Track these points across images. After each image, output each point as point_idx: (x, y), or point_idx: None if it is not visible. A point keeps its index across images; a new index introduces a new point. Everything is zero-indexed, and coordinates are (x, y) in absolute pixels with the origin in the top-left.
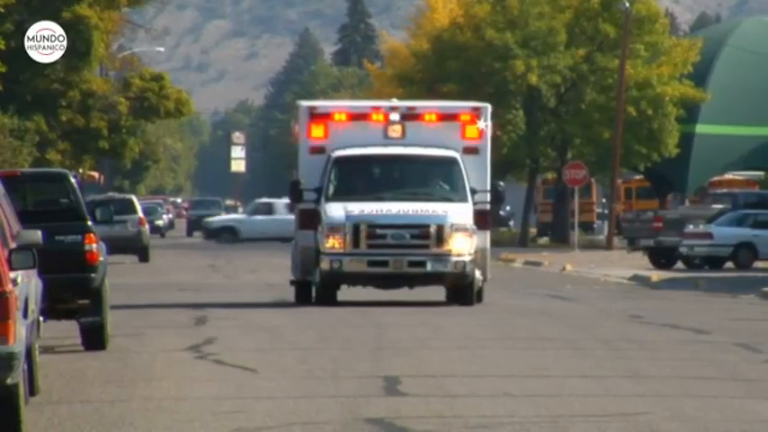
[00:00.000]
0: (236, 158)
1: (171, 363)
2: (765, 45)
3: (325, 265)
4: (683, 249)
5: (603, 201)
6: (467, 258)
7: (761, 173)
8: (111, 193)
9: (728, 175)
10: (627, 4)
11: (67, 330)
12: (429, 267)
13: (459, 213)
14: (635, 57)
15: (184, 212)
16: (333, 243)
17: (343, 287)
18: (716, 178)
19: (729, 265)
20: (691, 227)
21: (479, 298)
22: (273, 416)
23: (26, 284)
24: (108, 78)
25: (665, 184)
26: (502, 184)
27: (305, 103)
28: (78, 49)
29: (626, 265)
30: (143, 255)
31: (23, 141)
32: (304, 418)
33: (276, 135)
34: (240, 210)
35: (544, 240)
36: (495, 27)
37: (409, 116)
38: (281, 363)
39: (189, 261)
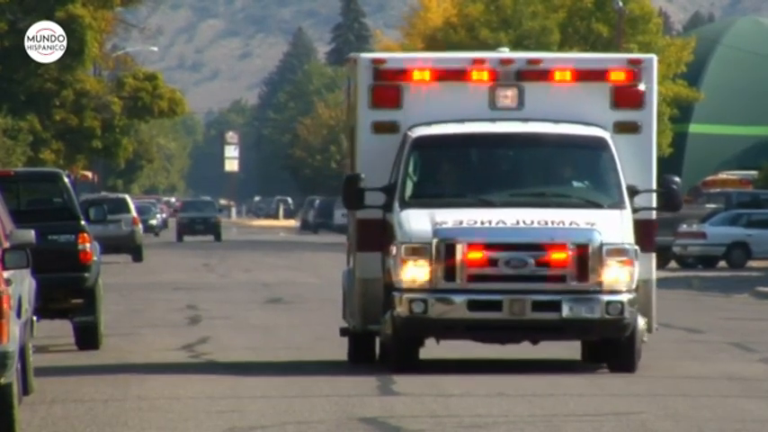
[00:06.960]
0: (229, 158)
1: (165, 362)
2: (758, 45)
3: (401, 307)
4: (676, 249)
5: None
6: (625, 297)
7: (754, 172)
8: (104, 193)
9: (722, 175)
10: (620, 4)
11: (61, 330)
12: (566, 312)
13: (612, 226)
14: None
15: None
16: (413, 273)
17: (429, 341)
18: (709, 178)
19: (723, 264)
20: (684, 226)
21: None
22: (267, 415)
23: (19, 284)
24: (101, 78)
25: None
26: (677, 179)
27: (366, 56)
28: (72, 49)
29: None
30: (136, 254)
31: (17, 141)
32: (298, 417)
33: (270, 134)
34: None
35: None
36: (488, 26)
37: (530, 74)
38: (275, 362)
39: (182, 260)
